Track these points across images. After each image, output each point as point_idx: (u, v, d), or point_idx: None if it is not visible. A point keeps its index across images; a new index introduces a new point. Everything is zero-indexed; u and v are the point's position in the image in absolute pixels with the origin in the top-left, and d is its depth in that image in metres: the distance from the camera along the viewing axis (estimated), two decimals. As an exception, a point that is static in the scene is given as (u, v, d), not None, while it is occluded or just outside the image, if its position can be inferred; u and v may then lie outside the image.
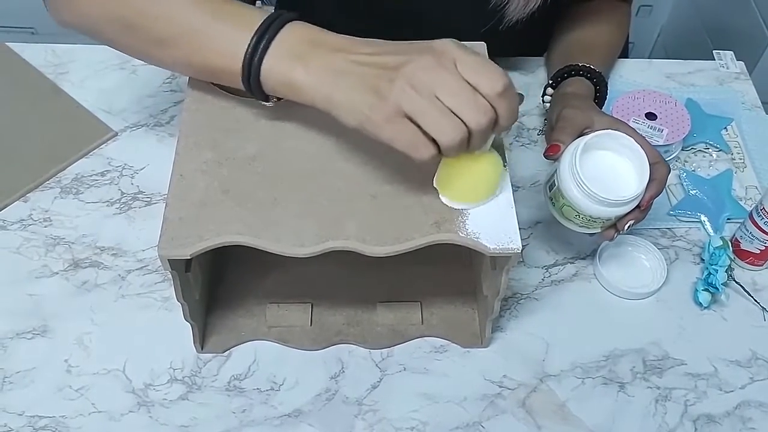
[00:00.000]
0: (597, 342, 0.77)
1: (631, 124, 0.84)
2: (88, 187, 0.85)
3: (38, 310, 0.76)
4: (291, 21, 0.62)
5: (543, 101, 0.89)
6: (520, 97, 0.59)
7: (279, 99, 0.65)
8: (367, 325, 0.76)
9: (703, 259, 0.82)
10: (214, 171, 0.64)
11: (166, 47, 0.65)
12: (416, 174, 0.63)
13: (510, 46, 0.96)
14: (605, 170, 0.72)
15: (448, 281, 0.78)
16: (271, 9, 1.11)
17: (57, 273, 0.78)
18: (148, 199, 0.84)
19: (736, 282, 0.80)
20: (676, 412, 0.73)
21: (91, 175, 0.86)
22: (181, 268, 0.63)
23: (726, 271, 0.78)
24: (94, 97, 0.92)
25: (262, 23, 0.61)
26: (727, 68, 1.03)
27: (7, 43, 0.97)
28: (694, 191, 0.88)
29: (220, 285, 0.78)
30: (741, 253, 0.82)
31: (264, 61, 0.60)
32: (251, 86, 0.62)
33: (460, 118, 0.54)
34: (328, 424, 0.70)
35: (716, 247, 0.80)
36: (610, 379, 0.75)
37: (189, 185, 0.63)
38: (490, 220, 0.62)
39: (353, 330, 0.76)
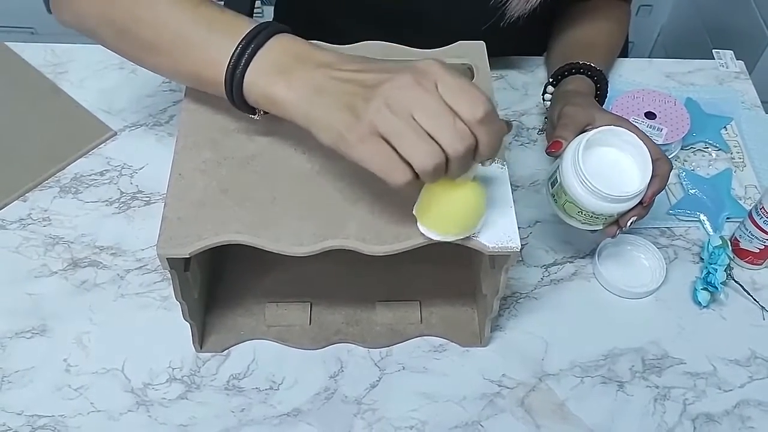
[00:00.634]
0: (596, 341, 0.77)
1: (630, 123, 0.84)
2: (87, 187, 0.85)
3: (37, 310, 0.76)
4: (278, 33, 0.60)
5: (543, 99, 0.89)
6: (508, 125, 0.56)
7: (266, 113, 0.62)
8: (366, 324, 0.76)
9: (703, 259, 0.82)
10: (213, 170, 0.64)
11: (155, 53, 0.64)
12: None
13: (510, 44, 0.96)
14: (608, 166, 0.72)
15: (447, 281, 0.78)
16: (268, 13, 1.11)
17: (56, 272, 0.78)
18: (147, 199, 0.84)
19: (736, 281, 0.80)
20: (675, 411, 0.73)
21: (90, 175, 0.86)
22: (180, 267, 0.63)
23: (725, 271, 0.78)
24: (93, 96, 0.92)
25: (247, 33, 0.59)
26: (727, 67, 1.03)
27: (6, 43, 0.97)
28: (694, 190, 0.88)
29: (219, 284, 0.78)
30: (740, 252, 0.82)
31: (246, 73, 0.59)
32: (234, 98, 0.60)
33: (437, 143, 0.51)
34: (327, 423, 0.70)
35: (715, 247, 0.80)
36: (609, 378, 0.75)
37: (188, 185, 0.63)
38: (489, 219, 0.62)
39: (352, 329, 0.76)
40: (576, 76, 0.87)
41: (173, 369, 0.73)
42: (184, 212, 0.61)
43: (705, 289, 0.79)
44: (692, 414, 0.73)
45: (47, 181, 0.85)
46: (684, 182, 0.89)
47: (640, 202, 0.72)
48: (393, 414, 0.71)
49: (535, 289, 0.80)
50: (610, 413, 0.72)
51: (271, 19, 1.11)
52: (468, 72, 0.73)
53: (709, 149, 0.94)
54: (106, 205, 0.84)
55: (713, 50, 1.05)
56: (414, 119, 0.51)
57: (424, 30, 0.84)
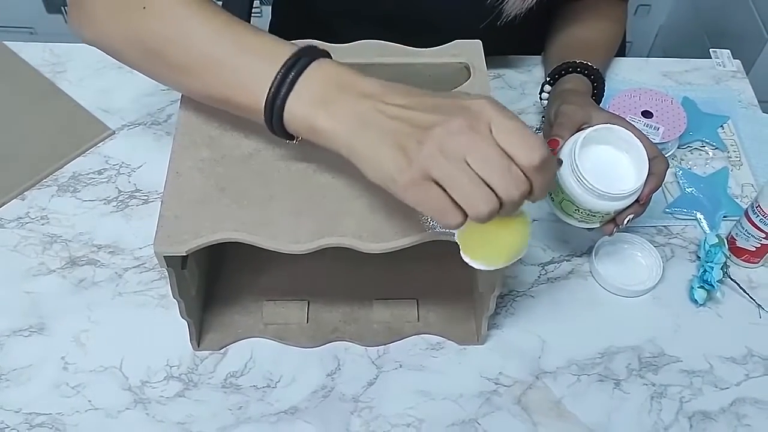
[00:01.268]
0: (593, 339, 0.77)
1: (627, 121, 0.84)
2: (85, 185, 0.85)
3: (35, 308, 0.76)
4: (318, 58, 0.57)
5: (540, 98, 0.89)
6: (558, 162, 0.56)
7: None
8: (364, 322, 0.76)
9: (699, 257, 0.82)
10: (211, 169, 0.64)
11: (185, 75, 0.61)
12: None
13: (507, 43, 0.96)
14: (604, 164, 0.72)
15: (444, 279, 0.79)
16: (267, 13, 1.11)
17: (54, 271, 0.78)
18: (145, 197, 0.84)
19: (732, 279, 0.80)
20: (672, 408, 0.73)
21: (88, 174, 0.86)
22: (177, 265, 0.64)
23: (722, 269, 0.79)
24: (91, 95, 0.93)
25: (287, 60, 0.56)
26: (724, 66, 1.03)
27: (5, 42, 0.97)
28: (690, 189, 0.88)
29: (216, 282, 0.78)
30: (737, 251, 0.82)
31: (287, 103, 0.56)
32: (274, 127, 0.58)
33: (491, 188, 0.50)
34: (324, 420, 0.71)
35: (712, 245, 0.80)
36: (605, 376, 0.75)
37: (185, 183, 0.63)
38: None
39: (349, 327, 0.76)
40: (573, 75, 0.87)
41: (171, 367, 0.73)
42: (182, 210, 0.61)
43: (701, 287, 0.79)
44: (689, 412, 0.73)
45: (45, 179, 0.85)
46: (681, 181, 0.89)
47: (637, 200, 0.72)
48: (390, 412, 0.71)
49: (532, 287, 0.80)
50: (606, 411, 0.73)
51: (269, 19, 1.12)
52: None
53: (706, 148, 0.94)
54: (104, 203, 0.84)
55: (710, 49, 1.05)
56: (468, 164, 0.50)
57: (422, 29, 0.84)
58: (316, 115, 0.55)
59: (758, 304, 0.80)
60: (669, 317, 0.79)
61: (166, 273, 0.63)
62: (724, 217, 0.86)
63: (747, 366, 0.76)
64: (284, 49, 0.57)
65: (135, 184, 0.85)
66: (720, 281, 0.78)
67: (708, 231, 0.84)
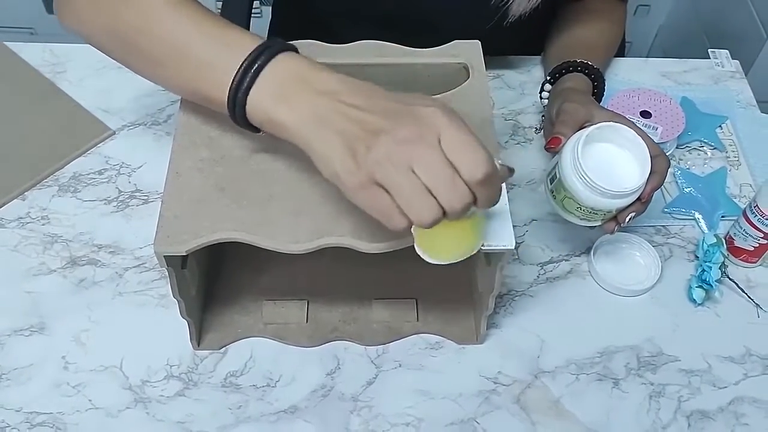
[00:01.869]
0: (591, 338, 0.77)
1: (625, 122, 0.85)
2: (85, 186, 0.85)
3: (36, 308, 0.76)
4: (282, 51, 0.58)
5: (541, 97, 0.89)
6: (510, 171, 0.57)
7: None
8: (363, 322, 0.76)
9: (697, 257, 0.82)
10: (210, 169, 0.64)
11: (158, 67, 0.63)
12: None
13: (509, 43, 0.97)
14: (607, 162, 0.72)
15: (443, 278, 0.79)
16: (267, 13, 1.12)
17: (54, 270, 0.79)
18: (146, 197, 0.85)
19: (730, 279, 0.80)
20: (670, 408, 0.73)
21: (88, 174, 0.86)
22: (177, 265, 0.64)
23: (720, 268, 0.79)
24: (91, 96, 0.93)
25: (251, 52, 0.57)
26: (722, 67, 1.04)
27: (5, 43, 0.97)
28: (689, 189, 0.88)
29: (216, 282, 0.78)
30: (735, 251, 0.82)
31: (249, 95, 0.57)
32: (237, 119, 0.59)
33: (435, 198, 0.51)
34: (323, 420, 0.71)
35: (710, 245, 0.80)
36: (604, 375, 0.75)
37: (185, 183, 0.63)
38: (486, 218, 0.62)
39: (349, 327, 0.76)
40: (574, 74, 0.87)
41: (171, 366, 0.73)
42: (181, 210, 0.61)
43: (700, 286, 0.79)
44: (687, 411, 0.73)
45: (46, 180, 0.85)
46: (679, 181, 0.89)
47: (639, 199, 0.72)
48: (389, 411, 0.72)
49: (531, 286, 0.81)
50: (605, 410, 0.73)
51: (269, 20, 1.13)
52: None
53: (704, 148, 0.94)
54: (105, 203, 0.84)
55: (709, 50, 1.05)
56: (414, 173, 0.51)
57: (422, 29, 0.84)
58: (276, 108, 0.56)
59: (756, 304, 0.80)
60: (667, 317, 0.79)
61: (166, 273, 0.63)
62: (723, 216, 0.87)
63: (745, 365, 0.76)
64: (250, 42, 0.58)
65: (135, 184, 0.86)
66: (718, 281, 0.79)
67: (706, 231, 0.85)
